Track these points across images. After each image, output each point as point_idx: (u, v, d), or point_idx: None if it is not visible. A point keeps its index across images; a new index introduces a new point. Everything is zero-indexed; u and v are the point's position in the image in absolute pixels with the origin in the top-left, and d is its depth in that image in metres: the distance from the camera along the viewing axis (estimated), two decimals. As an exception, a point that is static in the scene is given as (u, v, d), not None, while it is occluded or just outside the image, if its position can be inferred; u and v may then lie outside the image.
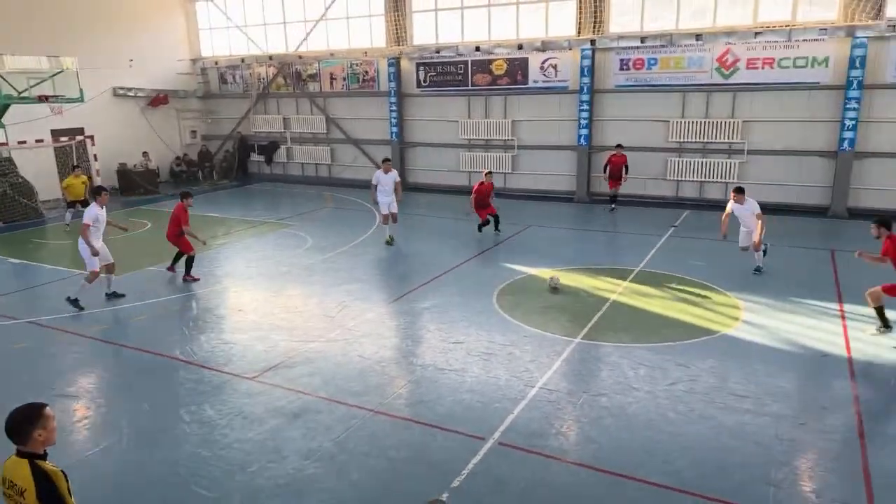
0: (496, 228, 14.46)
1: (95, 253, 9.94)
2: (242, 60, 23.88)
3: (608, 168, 16.77)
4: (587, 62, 17.86)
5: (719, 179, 17.27)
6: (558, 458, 5.83)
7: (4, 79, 15.83)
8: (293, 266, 12.41)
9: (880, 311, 8.42)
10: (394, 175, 13.99)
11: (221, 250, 13.82)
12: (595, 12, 17.66)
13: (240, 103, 24.68)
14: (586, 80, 17.97)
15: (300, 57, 22.55)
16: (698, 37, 16.59)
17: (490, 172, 14.45)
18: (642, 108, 17.81)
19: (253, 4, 23.45)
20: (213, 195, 21.00)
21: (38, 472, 3.34)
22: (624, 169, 16.58)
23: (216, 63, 24.70)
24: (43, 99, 16.42)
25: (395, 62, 20.64)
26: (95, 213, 9.98)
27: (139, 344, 8.68)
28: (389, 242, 13.80)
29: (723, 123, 16.90)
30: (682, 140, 17.50)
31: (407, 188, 21.31)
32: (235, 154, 24.61)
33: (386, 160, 14.38)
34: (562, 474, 5.63)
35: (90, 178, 17.20)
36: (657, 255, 12.59)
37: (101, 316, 9.84)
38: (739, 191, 11.37)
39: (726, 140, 16.98)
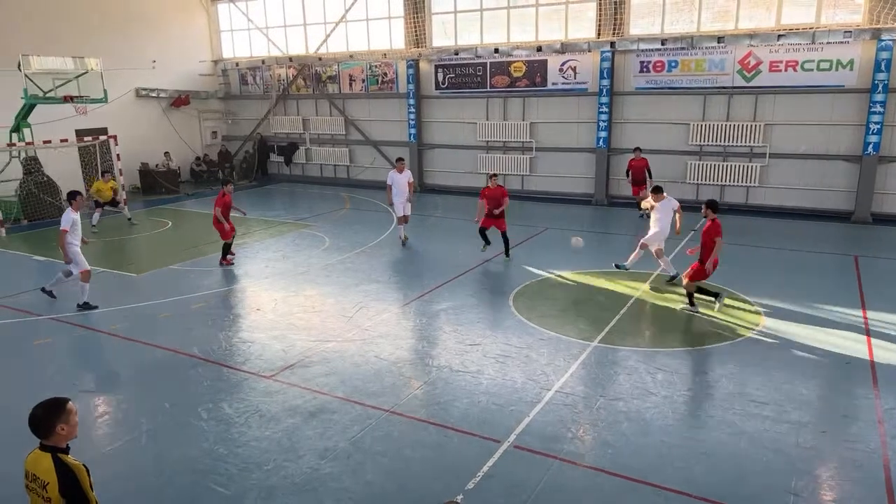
0: (506, 252, 12.71)
1: (69, 261, 10.00)
2: (263, 62, 24.09)
3: (630, 173, 16.55)
4: (606, 64, 17.76)
5: (740, 183, 17.07)
6: (574, 462, 5.80)
7: (31, 79, 16.12)
8: (311, 266, 12.49)
9: (692, 295, 9.62)
10: (407, 174, 14.02)
11: (240, 250, 13.92)
12: (615, 14, 17.57)
13: (260, 104, 24.91)
14: (605, 82, 17.88)
15: (320, 58, 22.70)
16: (720, 39, 16.43)
17: (495, 175, 12.91)
18: (662, 111, 17.68)
19: (274, 6, 23.65)
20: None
21: (61, 466, 3.39)
22: (647, 173, 16.31)
23: (237, 64, 24.95)
24: (68, 99, 16.70)
25: (413, 64, 20.70)
26: (72, 217, 9.97)
27: (159, 341, 8.77)
28: (404, 242, 13.87)
29: (744, 126, 16.71)
30: (702, 143, 17.33)
31: (424, 190, 21.41)
32: (255, 155, 24.83)
33: (399, 159, 14.39)
34: (577, 478, 5.60)
35: (115, 179, 17.44)
36: (676, 258, 12.45)
37: (122, 313, 9.97)
38: (657, 190, 11.19)
39: (747, 143, 16.78)
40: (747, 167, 16.89)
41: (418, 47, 20.64)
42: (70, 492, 3.37)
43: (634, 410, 6.70)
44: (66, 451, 3.52)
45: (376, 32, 21.83)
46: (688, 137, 17.43)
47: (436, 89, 20.91)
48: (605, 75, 17.85)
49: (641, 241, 11.26)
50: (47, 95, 16.50)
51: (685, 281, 9.68)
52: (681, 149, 17.63)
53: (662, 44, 17.08)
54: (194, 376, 7.73)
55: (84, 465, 3.47)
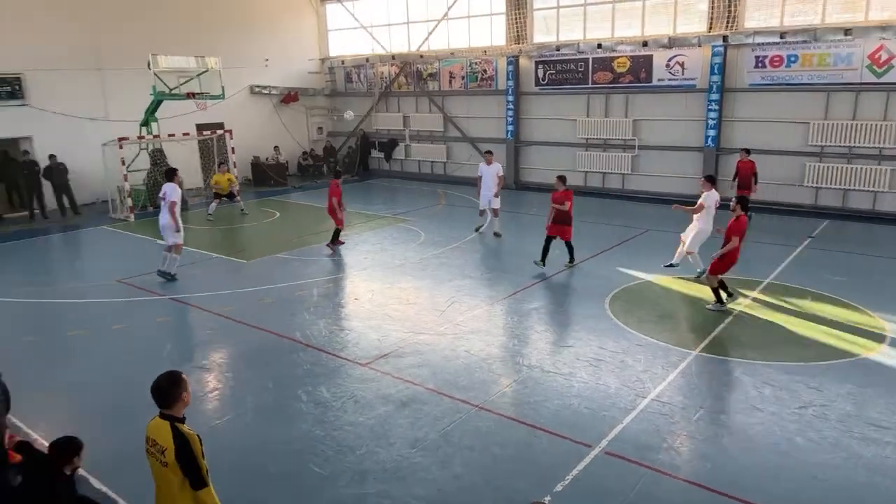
0: (570, 260, 11.94)
1: (178, 229, 11.24)
2: (367, 60, 24.81)
3: (737, 176, 15.57)
4: (718, 59, 16.87)
5: (867, 188, 15.68)
6: (668, 474, 5.58)
7: (159, 77, 17.48)
8: (407, 259, 12.75)
9: (717, 290, 9.47)
10: (496, 167, 14.24)
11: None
12: (729, 7, 16.64)
13: (363, 101, 25.66)
14: (716, 78, 16.99)
15: (421, 56, 23.08)
16: (847, 31, 15.15)
17: (562, 177, 11.77)
18: (778, 109, 16.55)
19: (379, 5, 24.29)
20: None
21: (178, 434, 3.67)
22: (753, 178, 15.29)
23: (342, 62, 25.83)
24: (190, 96, 17.95)
25: (513, 60, 20.59)
26: (181, 192, 11.31)
27: (265, 325, 9.27)
28: (496, 235, 14.02)
29: (873, 126, 15.32)
30: (823, 143, 16.07)
31: (520, 187, 21.27)
32: (357, 150, 25.62)
33: (488, 152, 14.63)
34: (672, 490, 5.38)
35: (230, 171, 18.56)
36: (790, 266, 11.68)
37: (233, 297, 10.62)
38: (711, 179, 10.93)
39: (877, 144, 15.37)
40: (876, 170, 15.48)
41: (519, 43, 20.51)
42: (184, 458, 3.64)
43: (737, 425, 6.34)
44: (183, 420, 3.81)
45: (477, 29, 21.91)
46: (807, 137, 16.22)
47: (535, 86, 20.69)
48: (715, 71, 16.96)
49: (686, 249, 10.83)
50: (172, 92, 17.82)
51: (707, 275, 9.66)
52: (799, 149, 16.44)
53: (781, 37, 15.98)
54: (295, 360, 8.11)
55: (198, 434, 3.74)
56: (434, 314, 9.66)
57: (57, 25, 18.20)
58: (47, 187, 17.60)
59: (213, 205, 17.33)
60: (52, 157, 17.46)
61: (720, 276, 9.46)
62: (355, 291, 10.98)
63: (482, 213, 14.61)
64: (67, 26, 18.47)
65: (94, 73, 19.16)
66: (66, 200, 17.89)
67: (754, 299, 10.00)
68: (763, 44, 16.36)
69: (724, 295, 9.51)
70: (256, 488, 5.52)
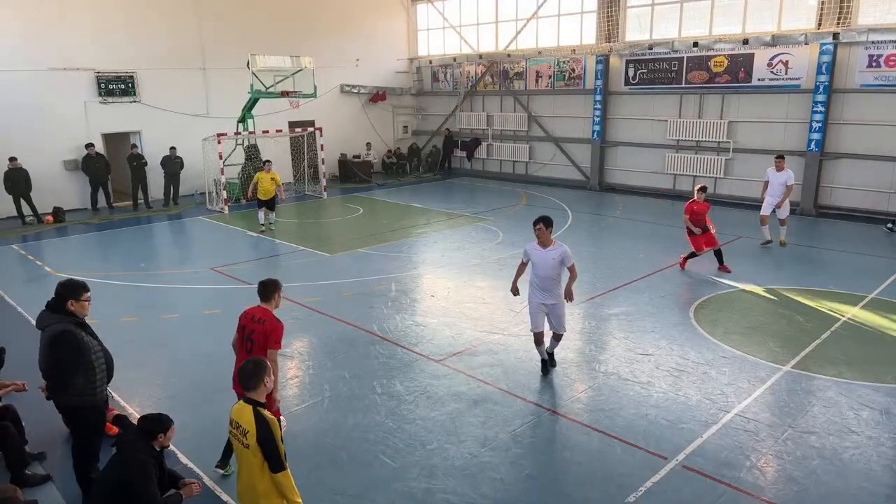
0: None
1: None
2: (454, 59, 24.98)
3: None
4: (826, 58, 15.78)
5: None
6: (750, 494, 5.29)
7: (256, 76, 18.35)
8: (484, 258, 12.75)
9: None
10: (786, 175, 12.93)
11: (420, 238, 14.66)
12: (841, 2, 15.52)
13: (448, 100, 25.87)
14: (823, 78, 15.89)
15: (509, 55, 22.98)
16: (979, 26, 13.79)
17: (703, 188, 11.70)
18: (892, 112, 15.29)
19: (468, 4, 24.40)
20: (418, 187, 22.37)
21: (259, 418, 3.86)
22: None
23: (430, 62, 26.13)
24: (284, 94, 18.72)
25: (603, 59, 20.12)
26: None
27: (345, 317, 9.54)
28: (783, 244, 13.24)
29: None
30: (944, 149, 14.72)
31: (603, 189, 20.80)
32: (442, 149, 25.85)
33: (780, 157, 13.21)
34: (754, 512, 5.10)
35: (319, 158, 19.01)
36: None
37: (316, 288, 10.99)
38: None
39: None
40: None
41: (609, 42, 20.02)
42: (265, 441, 3.81)
43: (829, 448, 5.93)
44: (265, 405, 3.99)
45: (567, 28, 21.57)
46: (925, 142, 14.90)
47: (625, 85, 20.13)
48: (823, 70, 15.87)
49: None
50: (268, 90, 18.65)
51: None
52: (915, 155, 15.14)
53: (900, 34, 14.76)
54: (372, 352, 8.30)
55: (277, 419, 3.91)
56: (509, 315, 9.61)
57: (168, 27, 19.48)
58: (158, 176, 18.83)
59: (261, 214, 15.28)
60: (172, 149, 18.80)
61: None
62: (432, 288, 11.09)
63: (764, 220, 13.29)
64: (177, 28, 19.72)
65: (198, 72, 20.36)
66: (171, 191, 19.09)
67: (856, 314, 9.30)
68: (879, 42, 15.16)
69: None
70: (329, 474, 5.69)
